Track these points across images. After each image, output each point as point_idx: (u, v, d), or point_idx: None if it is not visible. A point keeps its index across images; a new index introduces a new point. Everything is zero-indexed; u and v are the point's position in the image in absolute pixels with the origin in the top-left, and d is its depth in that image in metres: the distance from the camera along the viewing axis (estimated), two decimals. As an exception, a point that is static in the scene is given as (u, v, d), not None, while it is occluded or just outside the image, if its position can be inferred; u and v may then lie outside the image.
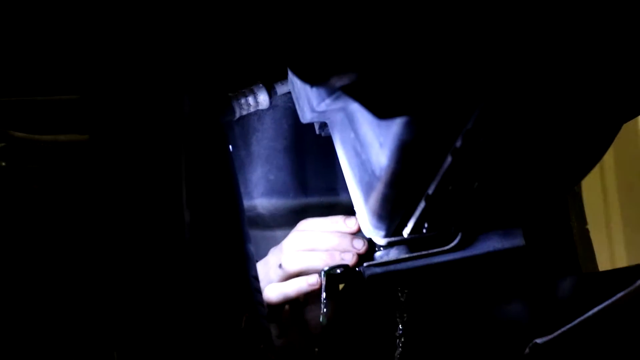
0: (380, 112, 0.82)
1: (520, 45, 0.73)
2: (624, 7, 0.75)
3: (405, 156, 0.86)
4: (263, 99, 1.02)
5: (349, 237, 1.10)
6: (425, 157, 0.84)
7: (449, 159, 0.81)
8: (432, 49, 0.73)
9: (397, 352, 1.05)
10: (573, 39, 0.76)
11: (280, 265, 1.13)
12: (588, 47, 0.75)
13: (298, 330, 1.15)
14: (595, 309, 0.80)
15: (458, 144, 0.78)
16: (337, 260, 1.09)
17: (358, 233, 1.11)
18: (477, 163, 0.84)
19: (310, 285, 1.12)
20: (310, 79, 0.82)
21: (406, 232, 0.98)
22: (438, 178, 0.85)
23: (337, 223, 1.13)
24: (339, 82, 0.78)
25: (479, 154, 0.81)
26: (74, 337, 1.08)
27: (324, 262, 1.11)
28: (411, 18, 0.72)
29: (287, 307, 1.14)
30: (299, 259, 1.12)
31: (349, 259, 1.09)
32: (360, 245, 1.10)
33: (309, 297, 1.14)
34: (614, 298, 0.80)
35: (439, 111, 0.80)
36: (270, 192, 1.17)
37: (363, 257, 1.08)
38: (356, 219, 1.11)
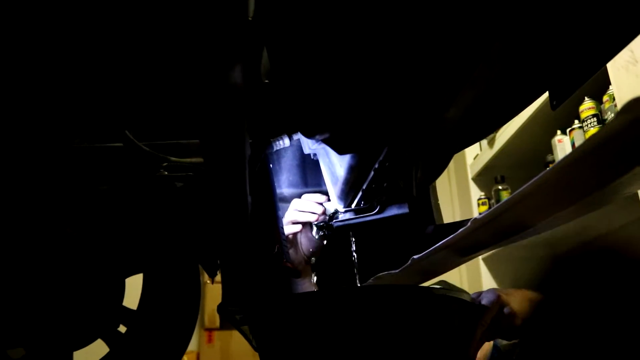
0: (339, 151, 0.84)
1: (401, 126, 0.76)
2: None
3: (352, 171, 0.88)
4: (286, 141, 1.00)
5: (319, 206, 1.07)
6: (361, 172, 0.85)
7: (372, 173, 0.82)
8: (360, 127, 0.76)
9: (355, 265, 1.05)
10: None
11: (284, 217, 1.10)
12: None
13: (296, 250, 1.12)
14: (442, 241, 0.81)
15: (376, 166, 0.80)
16: (307, 217, 1.07)
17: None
18: (385, 175, 0.85)
19: (291, 229, 1.09)
20: (307, 136, 0.84)
21: (353, 205, 1.00)
22: (367, 181, 0.86)
23: (315, 196, 1.09)
24: (319, 138, 0.81)
25: (386, 171, 0.83)
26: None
27: (303, 217, 1.08)
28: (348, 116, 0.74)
29: (290, 236, 1.12)
30: (292, 214, 1.10)
31: (313, 218, 1.06)
32: (320, 210, 1.06)
33: (298, 234, 1.12)
34: (450, 237, 0.80)
35: (367, 151, 0.82)
36: (290, 185, 1.15)
37: (332, 218, 1.06)
38: (324, 194, 1.10)
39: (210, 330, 3.87)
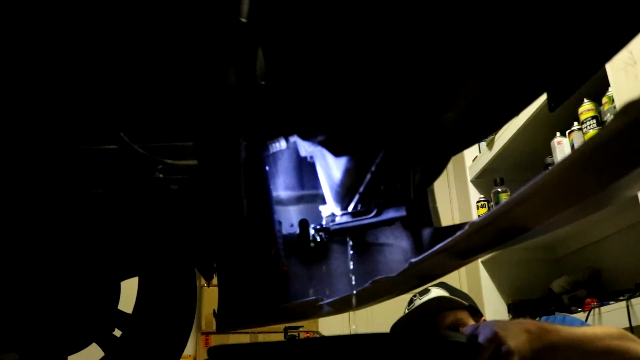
0: (335, 153, 0.83)
1: (396, 133, 0.76)
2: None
3: (348, 174, 0.88)
4: (283, 143, 0.97)
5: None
6: (357, 175, 0.85)
7: (369, 176, 0.82)
8: (356, 129, 0.76)
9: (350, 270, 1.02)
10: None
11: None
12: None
13: None
14: (440, 245, 0.81)
15: (372, 169, 0.81)
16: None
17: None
18: (382, 178, 0.85)
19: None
20: (303, 138, 0.84)
21: (350, 208, 0.98)
22: (364, 185, 0.85)
23: None
24: (316, 140, 0.80)
25: (383, 174, 0.83)
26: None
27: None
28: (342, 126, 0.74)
29: None
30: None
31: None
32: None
33: None
34: (447, 240, 0.79)
35: (363, 154, 0.82)
36: (286, 187, 1.11)
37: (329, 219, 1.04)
38: (321, 197, 1.04)
39: (207, 334, 3.85)
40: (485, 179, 2.95)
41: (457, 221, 3.59)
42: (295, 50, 0.68)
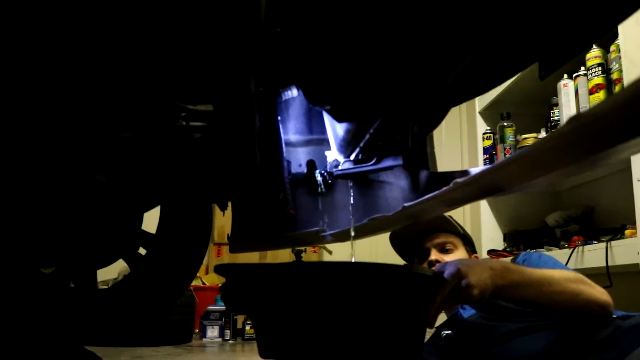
0: (338, 120, 0.89)
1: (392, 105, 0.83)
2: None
3: (349, 133, 0.95)
4: (294, 92, 1.02)
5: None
6: (358, 135, 0.93)
7: (368, 135, 0.91)
8: (358, 100, 0.83)
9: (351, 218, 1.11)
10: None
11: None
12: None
13: None
14: (428, 195, 0.90)
15: (371, 130, 0.89)
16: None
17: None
18: (379, 137, 0.93)
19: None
20: (313, 104, 0.90)
21: (352, 157, 1.07)
22: (364, 141, 0.93)
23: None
24: (322, 108, 0.87)
25: (380, 134, 0.91)
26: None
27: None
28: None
29: None
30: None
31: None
32: None
33: None
34: (434, 192, 0.88)
35: (364, 118, 0.90)
36: (296, 132, 1.18)
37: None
38: (327, 142, 1.12)
39: (219, 245, 4.08)
40: (493, 111, 2.99)
41: (465, 151, 3.68)
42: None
